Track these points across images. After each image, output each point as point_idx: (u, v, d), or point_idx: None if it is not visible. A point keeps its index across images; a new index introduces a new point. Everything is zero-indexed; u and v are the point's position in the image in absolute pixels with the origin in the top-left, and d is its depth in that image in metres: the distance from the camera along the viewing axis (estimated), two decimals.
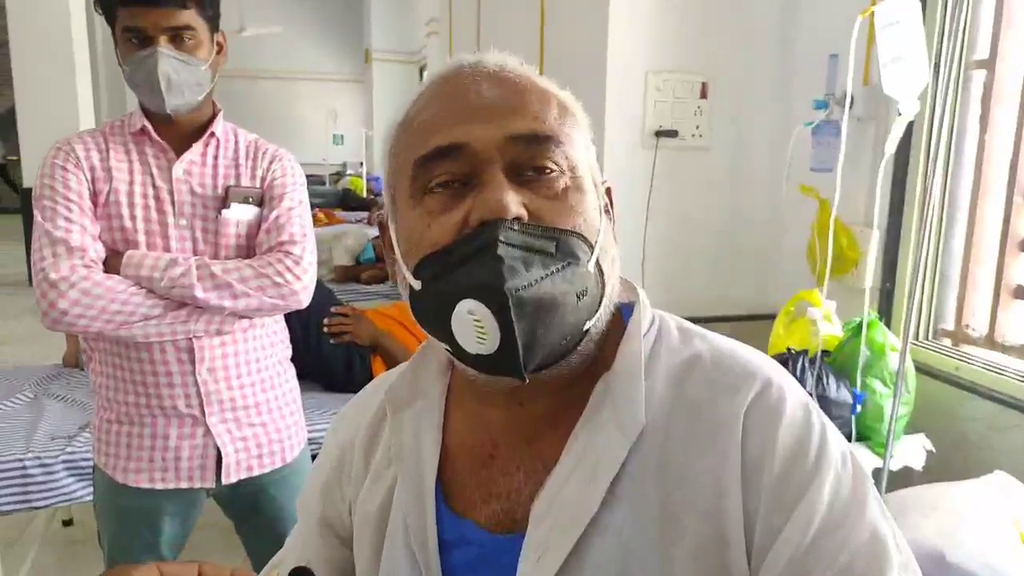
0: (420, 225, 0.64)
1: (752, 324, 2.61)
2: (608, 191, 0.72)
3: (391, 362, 2.53)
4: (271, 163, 1.56)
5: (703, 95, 2.56)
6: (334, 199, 7.61)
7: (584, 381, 0.68)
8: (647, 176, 2.56)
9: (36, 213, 1.38)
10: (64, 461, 1.92)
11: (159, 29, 1.38)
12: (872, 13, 1.61)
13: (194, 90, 1.45)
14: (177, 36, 1.40)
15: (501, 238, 0.58)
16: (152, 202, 1.45)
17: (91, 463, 1.64)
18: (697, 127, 2.57)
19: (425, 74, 8.44)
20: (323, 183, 8.95)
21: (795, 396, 0.64)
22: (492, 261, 0.58)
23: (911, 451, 1.94)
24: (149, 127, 1.46)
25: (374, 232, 5.22)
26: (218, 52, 1.51)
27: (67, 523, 2.84)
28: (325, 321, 2.52)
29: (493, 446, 0.71)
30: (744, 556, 0.59)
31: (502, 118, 0.63)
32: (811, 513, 0.58)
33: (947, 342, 2.27)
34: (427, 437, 0.74)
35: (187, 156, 1.48)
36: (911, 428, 2.01)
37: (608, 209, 0.70)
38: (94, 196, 1.41)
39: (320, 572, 0.83)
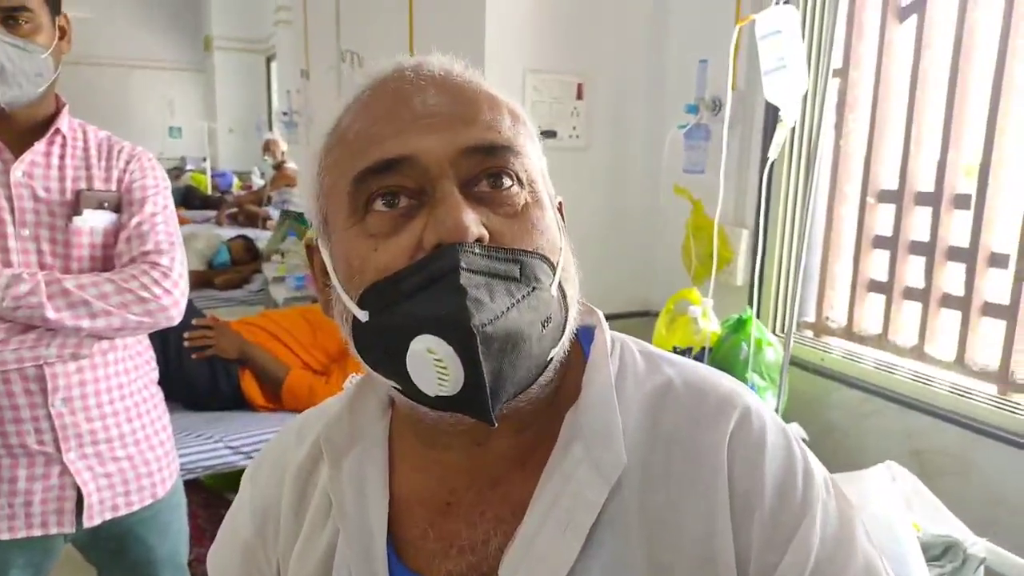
0: (363, 248, 0.56)
1: (634, 321, 2.66)
2: (560, 205, 0.67)
3: (261, 375, 2.37)
4: (128, 163, 1.39)
5: (579, 96, 2.57)
6: (176, 197, 7.07)
7: (547, 415, 0.62)
8: None
9: None
10: None
11: None
12: (752, 21, 1.66)
13: (33, 81, 1.26)
14: (10, 18, 1.22)
15: (463, 264, 0.52)
16: None
17: None
18: (574, 128, 2.58)
19: (275, 64, 8.03)
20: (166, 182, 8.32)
21: (773, 423, 0.62)
22: (454, 292, 0.51)
23: None
24: None
25: (227, 233, 4.89)
26: (60, 37, 1.32)
27: None
28: (185, 335, 2.31)
29: (450, 492, 0.64)
30: None
31: (453, 128, 0.56)
32: (806, 550, 0.56)
33: (809, 333, 2.41)
34: (372, 487, 0.65)
35: (27, 156, 1.28)
36: (784, 418, 2.12)
37: (562, 225, 0.65)
38: None
39: None
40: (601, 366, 0.63)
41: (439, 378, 0.52)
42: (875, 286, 2.21)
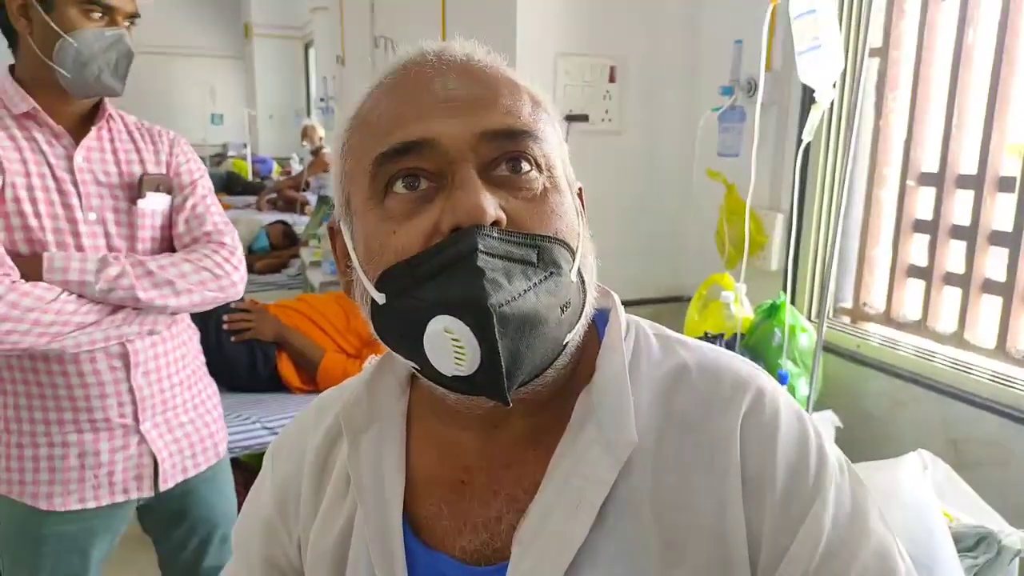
0: (382, 231, 0.57)
1: (666, 307, 2.64)
2: (580, 192, 0.67)
3: (297, 358, 2.41)
4: (172, 147, 1.46)
5: (612, 79, 2.55)
6: (218, 183, 7.15)
7: (562, 397, 0.63)
8: None
9: None
10: None
11: (124, 13, 1.29)
12: (785, 1, 1.63)
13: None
14: (130, 22, 1.33)
15: (480, 247, 0.52)
16: (56, 196, 1.29)
17: None
18: (607, 111, 2.56)
19: (312, 51, 8.11)
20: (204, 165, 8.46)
21: (788, 405, 0.62)
22: (471, 273, 0.51)
23: (821, 428, 2.01)
24: (40, 108, 1.29)
25: (266, 218, 4.97)
26: None
27: None
28: (225, 317, 2.36)
29: (465, 471, 0.65)
30: (749, 575, 0.56)
31: (473, 113, 0.56)
32: (817, 531, 0.56)
33: (846, 319, 2.37)
34: (389, 464, 0.67)
35: (85, 142, 1.33)
36: (818, 405, 2.09)
37: (581, 212, 0.65)
38: None
39: None
40: (615, 348, 0.63)
41: (456, 358, 0.52)
42: (914, 271, 2.16)
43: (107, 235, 1.34)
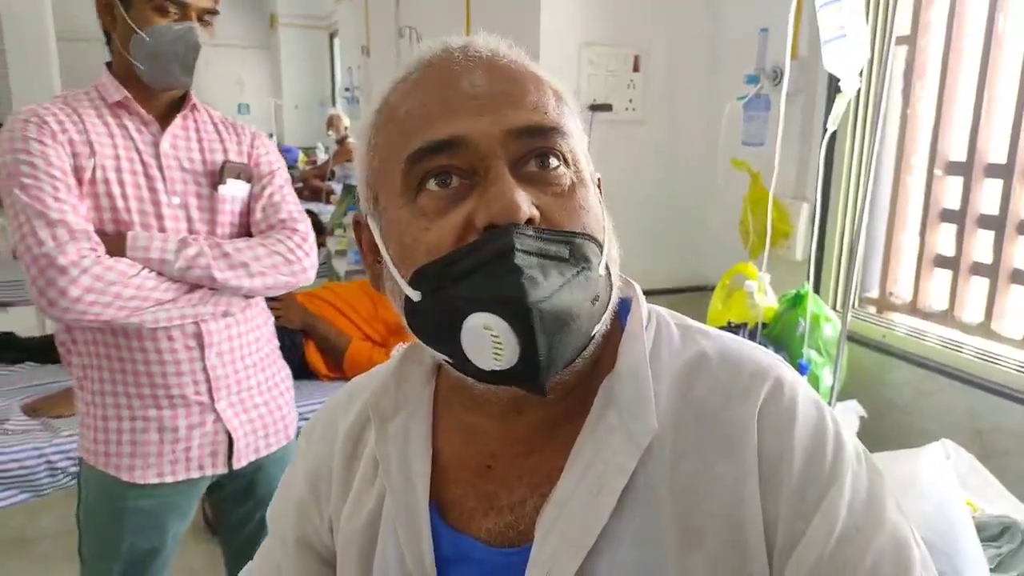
0: (415, 228, 0.58)
1: (689, 296, 2.65)
2: (599, 182, 0.69)
3: (324, 345, 2.45)
4: (254, 139, 1.53)
5: (636, 68, 2.54)
6: None
7: (584, 384, 0.65)
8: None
9: (14, 191, 1.25)
10: None
11: (198, 9, 1.35)
12: None
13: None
14: (203, 18, 1.37)
15: (517, 245, 0.54)
16: (142, 179, 1.36)
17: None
18: (631, 100, 2.56)
19: (337, 41, 8.15)
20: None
21: (806, 395, 0.62)
22: (511, 272, 0.53)
23: (845, 418, 2.01)
24: (130, 97, 1.37)
25: None
26: None
27: None
28: None
29: (490, 456, 0.67)
30: (765, 560, 0.58)
31: (501, 110, 0.58)
32: (833, 517, 0.57)
33: (872, 309, 2.36)
34: (416, 450, 0.69)
35: (170, 129, 1.41)
36: (842, 395, 2.09)
37: (601, 202, 0.67)
38: (77, 172, 1.30)
39: None
40: (637, 338, 0.65)
41: (495, 354, 0.54)
42: (941, 261, 2.15)
43: (188, 219, 1.40)
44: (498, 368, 0.55)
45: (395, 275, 0.61)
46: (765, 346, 2.03)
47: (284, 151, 8.37)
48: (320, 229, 4.57)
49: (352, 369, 2.40)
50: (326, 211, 4.93)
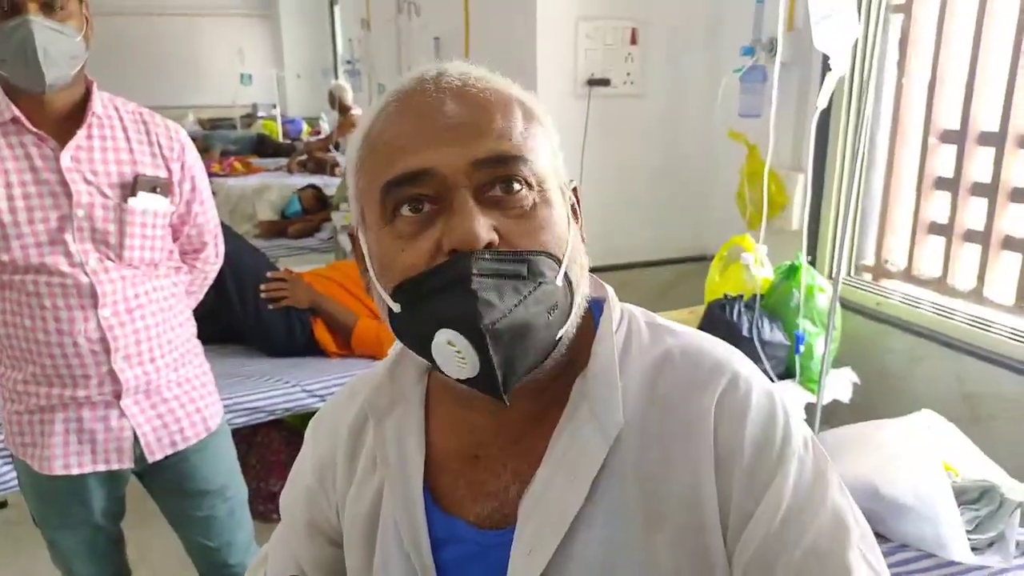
0: (393, 249, 0.65)
1: (689, 266, 2.69)
2: (575, 190, 0.74)
3: (332, 324, 2.52)
4: (171, 142, 1.48)
5: (633, 41, 2.55)
6: (248, 145, 7.25)
7: (562, 381, 0.71)
8: (581, 125, 2.57)
9: None
10: None
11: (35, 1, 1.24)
12: None
13: (69, 63, 1.31)
14: (47, 4, 1.27)
15: (474, 271, 0.60)
16: (37, 200, 1.35)
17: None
18: (628, 74, 2.57)
19: (337, 8, 8.08)
20: (234, 127, 8.49)
21: (760, 387, 0.68)
22: (466, 296, 0.59)
23: (839, 385, 2.07)
24: (21, 115, 1.33)
25: (298, 182, 5.06)
26: (86, 24, 1.37)
27: (2, 505, 2.75)
28: (262, 287, 2.47)
29: (478, 446, 0.74)
30: (721, 539, 0.65)
31: (467, 141, 0.63)
32: (779, 498, 0.64)
33: (867, 277, 2.40)
34: (411, 442, 0.76)
35: (72, 143, 1.36)
36: (836, 363, 2.14)
37: (576, 209, 0.72)
38: None
39: (311, 574, 0.86)
40: (607, 338, 0.71)
41: (459, 365, 0.62)
42: (935, 228, 2.18)
43: (94, 230, 1.39)
44: (464, 377, 0.62)
45: (378, 288, 0.67)
46: (761, 318, 2.07)
47: (288, 122, 8.36)
48: (325, 203, 4.61)
49: (360, 347, 2.47)
50: (332, 184, 4.95)
